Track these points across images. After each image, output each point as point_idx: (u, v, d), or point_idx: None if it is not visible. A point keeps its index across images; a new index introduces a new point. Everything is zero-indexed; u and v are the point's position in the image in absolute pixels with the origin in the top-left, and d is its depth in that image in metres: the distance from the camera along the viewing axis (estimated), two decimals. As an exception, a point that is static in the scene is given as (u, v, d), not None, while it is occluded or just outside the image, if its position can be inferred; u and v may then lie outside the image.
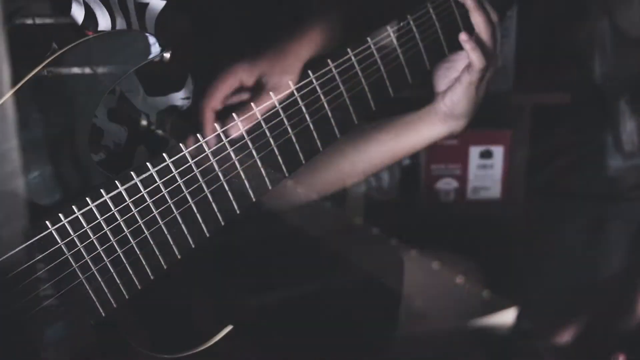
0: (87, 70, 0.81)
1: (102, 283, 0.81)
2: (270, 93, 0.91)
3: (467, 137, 2.12)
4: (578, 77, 2.11)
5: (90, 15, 0.90)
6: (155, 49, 0.85)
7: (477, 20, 1.07)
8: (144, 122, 0.96)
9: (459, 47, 1.07)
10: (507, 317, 0.88)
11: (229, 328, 0.85)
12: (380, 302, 0.96)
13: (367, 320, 0.93)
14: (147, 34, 0.85)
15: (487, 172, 2.16)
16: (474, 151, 2.15)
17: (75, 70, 0.80)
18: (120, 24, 0.92)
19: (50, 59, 0.77)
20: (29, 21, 0.85)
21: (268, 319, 0.93)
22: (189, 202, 0.85)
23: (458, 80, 1.09)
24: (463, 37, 1.06)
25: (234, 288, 0.96)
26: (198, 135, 0.86)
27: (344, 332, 0.91)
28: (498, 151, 2.15)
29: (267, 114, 0.91)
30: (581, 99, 2.07)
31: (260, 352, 0.90)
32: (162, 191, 0.84)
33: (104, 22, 0.91)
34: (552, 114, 2.09)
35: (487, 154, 2.15)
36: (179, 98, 1.00)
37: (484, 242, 1.84)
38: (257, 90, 0.95)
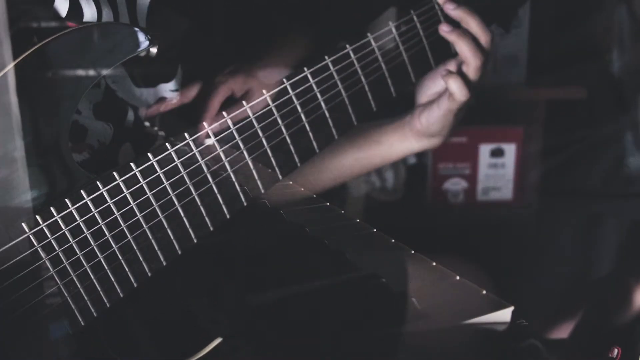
0: (69, 64, 0.81)
1: (81, 290, 0.80)
2: (263, 91, 0.90)
3: (476, 135, 2.12)
4: (595, 70, 2.11)
5: (75, 6, 0.90)
6: (142, 43, 0.84)
7: (463, 49, 1.04)
8: (131, 116, 0.96)
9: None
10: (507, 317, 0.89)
11: (218, 341, 0.85)
12: (381, 303, 0.96)
13: (368, 321, 0.94)
14: (135, 28, 0.85)
15: (498, 171, 2.15)
16: (484, 149, 2.15)
17: (56, 64, 0.80)
18: (107, 15, 0.92)
19: (28, 53, 0.77)
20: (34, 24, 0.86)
21: (265, 321, 0.94)
22: (175, 205, 0.85)
23: (436, 104, 1.08)
24: (442, 72, 1.04)
25: (227, 295, 0.96)
26: (185, 134, 0.86)
27: (344, 332, 0.92)
28: (510, 149, 2.14)
29: (260, 113, 0.90)
30: (598, 93, 2.07)
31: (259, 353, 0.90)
32: (146, 193, 0.84)
33: (89, 13, 0.91)
34: (567, 109, 2.08)
35: (498, 152, 2.15)
36: (168, 90, 1.00)
37: (494, 247, 1.83)
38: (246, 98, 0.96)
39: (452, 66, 1.05)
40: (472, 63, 1.03)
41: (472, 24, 1.03)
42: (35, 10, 0.87)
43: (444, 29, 1.03)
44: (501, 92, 2.03)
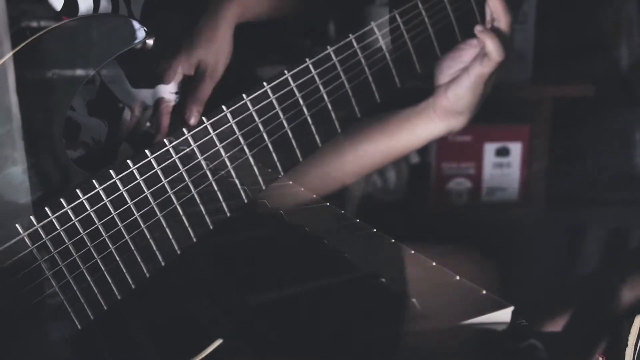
0: (62, 58, 0.81)
1: (77, 292, 0.80)
2: (264, 83, 0.91)
3: (481, 133, 2.12)
4: (603, 67, 2.11)
5: None
6: (139, 35, 0.85)
7: (495, 5, 1.06)
8: (126, 115, 0.96)
9: (472, 35, 1.07)
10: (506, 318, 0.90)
11: (218, 342, 0.85)
12: (381, 303, 0.97)
13: (368, 321, 0.94)
14: (130, 19, 0.85)
15: (503, 171, 2.16)
16: (489, 148, 2.15)
17: (49, 58, 0.80)
18: (105, 8, 0.92)
19: (20, 47, 0.77)
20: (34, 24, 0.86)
21: (265, 321, 0.94)
22: (173, 203, 0.85)
23: (466, 72, 1.08)
24: (479, 27, 1.05)
25: (226, 295, 0.97)
26: (184, 129, 0.86)
27: (343, 332, 0.93)
28: (515, 148, 2.14)
29: (260, 106, 0.90)
30: (606, 91, 2.07)
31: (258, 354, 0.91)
32: (144, 191, 0.84)
33: (84, 6, 0.91)
34: (574, 107, 2.08)
35: (503, 152, 2.15)
36: (167, 91, 1.00)
37: (500, 249, 1.83)
38: (200, 78, 0.97)
39: (487, 24, 1.08)
40: (503, 19, 1.06)
41: None
42: (29, 4, 0.87)
43: None
44: (507, 90, 2.03)
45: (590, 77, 2.07)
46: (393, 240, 1.04)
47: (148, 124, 0.98)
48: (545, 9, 2.07)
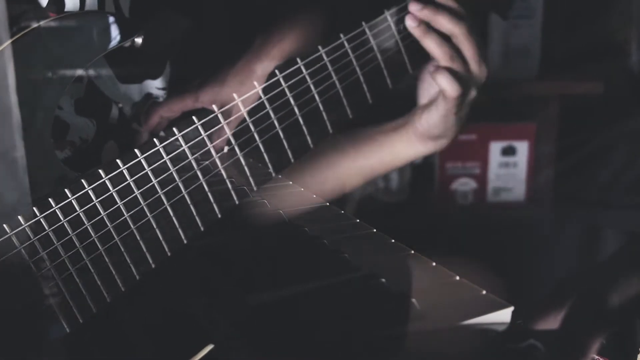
0: (49, 56, 0.82)
1: (66, 295, 0.82)
2: (255, 83, 0.92)
3: (487, 132, 2.13)
4: (612, 64, 2.11)
5: None
6: (127, 32, 0.86)
7: (430, 46, 1.03)
8: (115, 113, 0.97)
9: None
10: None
11: (210, 348, 0.86)
12: (381, 303, 0.98)
13: (367, 322, 0.95)
14: (117, 16, 0.86)
15: (509, 171, 2.16)
16: (495, 147, 2.15)
17: (35, 56, 0.81)
18: (91, 4, 0.93)
19: (4, 45, 0.78)
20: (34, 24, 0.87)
21: (264, 322, 0.95)
22: (163, 204, 0.86)
23: (434, 104, 1.08)
24: (431, 68, 1.04)
25: (225, 296, 0.98)
26: (174, 129, 0.87)
27: (342, 332, 0.94)
28: (522, 147, 2.15)
29: (252, 107, 0.92)
30: (616, 88, 2.07)
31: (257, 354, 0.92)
32: (134, 192, 0.85)
33: (71, 2, 0.92)
34: (582, 105, 2.09)
35: (509, 151, 2.15)
36: (154, 87, 1.01)
37: (506, 250, 1.84)
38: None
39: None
40: (443, 62, 1.03)
41: (442, 22, 1.03)
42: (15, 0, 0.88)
43: (410, 24, 1.03)
44: (512, 87, 2.04)
45: (599, 74, 2.07)
46: (393, 241, 1.05)
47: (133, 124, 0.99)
48: (553, 2, 2.07)
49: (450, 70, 1.03)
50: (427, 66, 1.08)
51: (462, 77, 1.04)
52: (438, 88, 1.07)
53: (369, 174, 1.18)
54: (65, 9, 0.91)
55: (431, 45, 1.03)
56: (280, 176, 0.97)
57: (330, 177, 1.16)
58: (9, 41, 0.79)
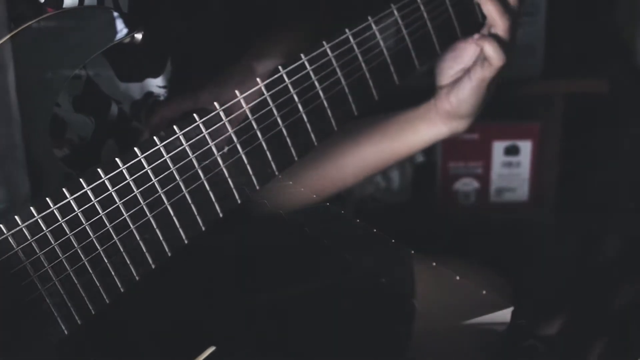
0: (47, 52, 0.82)
1: (64, 296, 0.81)
2: (257, 80, 0.91)
3: (489, 131, 2.13)
4: (617, 62, 2.11)
5: None
6: (126, 28, 0.85)
7: (490, 10, 1.06)
8: (114, 111, 0.97)
9: (472, 31, 1.08)
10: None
11: (211, 350, 0.86)
12: (380, 304, 0.99)
13: (367, 322, 0.96)
14: (116, 12, 0.86)
15: (512, 170, 2.16)
16: (498, 147, 2.16)
17: (33, 53, 0.81)
18: (90, 1, 0.93)
19: (1, 42, 0.78)
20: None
21: (263, 322, 0.96)
22: (164, 203, 0.86)
23: (467, 75, 1.09)
24: (476, 35, 1.07)
25: (225, 296, 0.98)
26: (175, 127, 0.87)
27: (343, 333, 0.94)
28: (525, 147, 2.15)
29: (254, 104, 0.91)
30: (621, 86, 2.07)
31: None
32: (133, 191, 0.84)
33: None
34: (587, 104, 2.09)
35: (512, 150, 2.15)
36: (155, 85, 1.01)
37: (508, 251, 1.84)
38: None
39: (484, 31, 1.09)
40: (500, 24, 1.06)
41: None
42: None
43: None
44: (516, 85, 2.04)
45: (604, 72, 2.07)
46: (393, 241, 1.05)
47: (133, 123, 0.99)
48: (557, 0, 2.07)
49: (497, 38, 1.05)
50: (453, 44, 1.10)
51: (506, 45, 1.06)
52: (463, 66, 1.09)
53: (391, 158, 1.19)
54: (64, 5, 0.91)
55: (492, 7, 1.06)
56: (280, 176, 0.97)
57: (351, 162, 1.17)
58: (7, 36, 0.78)
